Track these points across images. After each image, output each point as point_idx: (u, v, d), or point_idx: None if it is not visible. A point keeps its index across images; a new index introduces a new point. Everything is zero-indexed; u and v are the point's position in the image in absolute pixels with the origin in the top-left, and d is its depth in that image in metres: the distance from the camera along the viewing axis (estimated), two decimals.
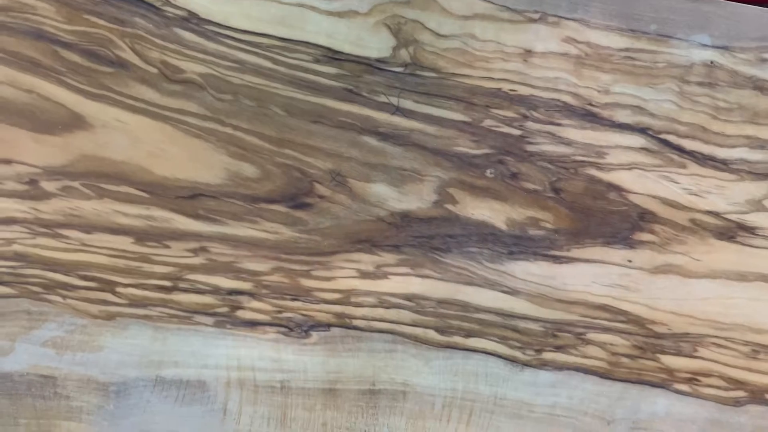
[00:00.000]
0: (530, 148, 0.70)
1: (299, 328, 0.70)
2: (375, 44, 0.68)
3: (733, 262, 0.73)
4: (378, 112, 0.68)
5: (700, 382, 0.74)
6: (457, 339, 0.72)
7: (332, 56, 0.67)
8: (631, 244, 0.72)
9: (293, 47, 0.67)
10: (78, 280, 0.68)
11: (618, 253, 0.72)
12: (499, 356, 0.73)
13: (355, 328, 0.71)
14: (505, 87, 0.69)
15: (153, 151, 0.67)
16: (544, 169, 0.70)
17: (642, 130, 0.70)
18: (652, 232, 0.72)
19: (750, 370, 0.75)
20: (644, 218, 0.71)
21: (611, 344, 0.73)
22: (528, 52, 0.69)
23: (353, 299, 0.70)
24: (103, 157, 0.66)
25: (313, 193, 0.68)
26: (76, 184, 0.66)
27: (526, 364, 0.73)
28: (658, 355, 0.74)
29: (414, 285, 0.71)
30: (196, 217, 0.68)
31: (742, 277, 0.73)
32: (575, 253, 0.71)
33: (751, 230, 0.73)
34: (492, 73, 0.69)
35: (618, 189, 0.71)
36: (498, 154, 0.70)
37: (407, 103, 0.68)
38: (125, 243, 0.68)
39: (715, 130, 0.71)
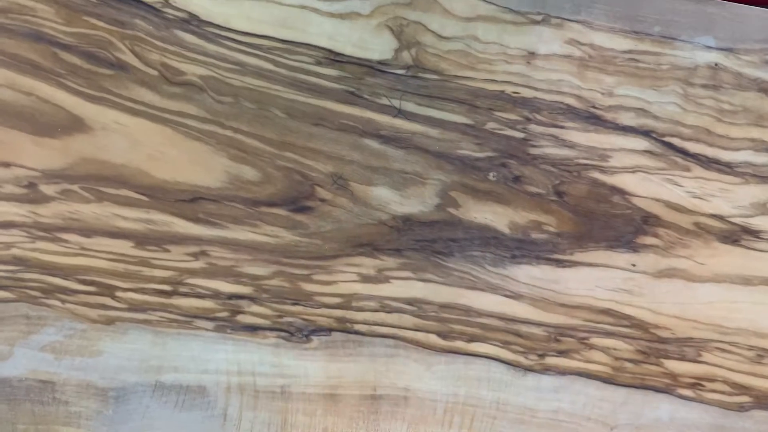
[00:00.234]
0: (533, 151, 0.69)
1: (300, 333, 0.70)
2: (377, 46, 0.67)
3: (737, 265, 0.73)
4: (380, 115, 0.68)
5: (704, 387, 0.74)
6: (459, 344, 0.71)
7: (334, 58, 0.67)
8: (634, 248, 0.71)
9: (294, 49, 0.66)
10: (77, 285, 0.67)
11: (621, 257, 0.71)
12: (502, 361, 0.72)
13: (357, 332, 0.70)
14: (508, 89, 0.68)
15: (153, 154, 0.66)
16: (547, 173, 0.70)
17: (646, 133, 0.70)
18: (655, 235, 0.71)
19: (754, 375, 0.74)
20: (648, 222, 0.71)
21: (615, 349, 0.73)
22: (531, 54, 0.68)
23: (354, 303, 0.70)
24: (102, 160, 0.66)
25: (314, 196, 0.68)
26: (75, 187, 0.66)
27: (528, 369, 0.73)
28: (662, 360, 0.73)
29: (416, 289, 0.70)
30: (197, 220, 0.67)
31: (747, 281, 0.73)
32: (578, 257, 0.71)
33: (755, 234, 0.72)
34: (495, 76, 0.68)
35: (621, 192, 0.70)
36: (501, 157, 0.69)
37: (409, 106, 0.68)
38: (125, 247, 0.67)
39: (720, 133, 0.70)
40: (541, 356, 0.72)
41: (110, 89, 0.65)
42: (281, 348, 0.70)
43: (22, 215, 0.66)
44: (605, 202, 0.70)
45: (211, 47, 0.66)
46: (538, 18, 0.68)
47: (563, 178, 0.70)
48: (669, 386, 0.74)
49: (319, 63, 0.67)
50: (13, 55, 0.64)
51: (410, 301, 0.70)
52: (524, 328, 0.72)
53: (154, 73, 0.66)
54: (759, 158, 0.71)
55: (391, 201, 0.69)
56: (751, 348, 0.74)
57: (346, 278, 0.70)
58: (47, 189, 0.66)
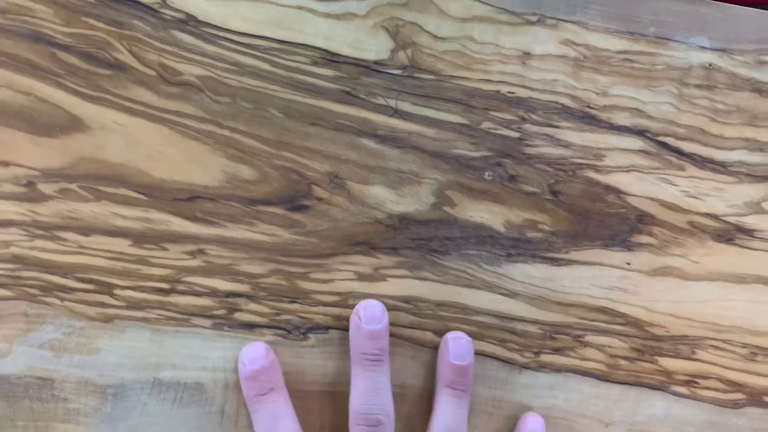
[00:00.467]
0: (528, 150, 0.69)
1: (297, 331, 0.70)
2: (373, 46, 0.67)
3: (731, 264, 0.73)
4: (376, 115, 0.68)
5: (699, 384, 0.74)
6: None
7: (330, 58, 0.67)
8: (629, 247, 0.72)
9: (291, 49, 0.67)
10: (76, 283, 0.67)
11: (616, 256, 0.72)
12: (497, 358, 0.73)
13: None
14: (504, 89, 0.69)
15: (151, 154, 0.66)
16: (542, 172, 0.70)
17: (640, 133, 0.70)
18: (650, 234, 0.72)
19: (748, 372, 0.75)
20: (643, 221, 0.71)
21: (609, 347, 0.73)
22: (526, 55, 0.68)
23: (351, 301, 0.70)
24: (100, 159, 0.66)
25: (311, 195, 0.68)
26: (73, 186, 0.66)
27: (524, 367, 0.73)
28: (657, 358, 0.74)
29: (412, 287, 0.70)
30: (194, 219, 0.67)
31: (741, 279, 0.73)
32: (573, 255, 0.71)
33: (749, 233, 0.72)
34: (490, 76, 0.68)
35: (616, 191, 0.71)
36: (496, 156, 0.69)
37: (405, 106, 0.68)
38: (123, 245, 0.67)
39: (714, 133, 0.71)
40: (537, 354, 0.73)
41: (108, 89, 0.66)
42: (278, 345, 0.70)
43: (21, 214, 0.66)
44: (600, 201, 0.71)
45: (209, 48, 0.66)
46: (534, 18, 0.68)
47: (558, 177, 0.70)
48: (663, 383, 0.74)
49: (315, 63, 0.67)
50: (12, 55, 0.64)
51: (406, 299, 0.71)
52: (519, 326, 0.72)
53: (152, 73, 0.66)
54: (753, 158, 0.71)
55: (388, 200, 0.69)
56: (745, 346, 0.74)
57: (343, 276, 0.70)
58: (46, 188, 0.66)
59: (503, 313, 0.72)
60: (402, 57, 0.67)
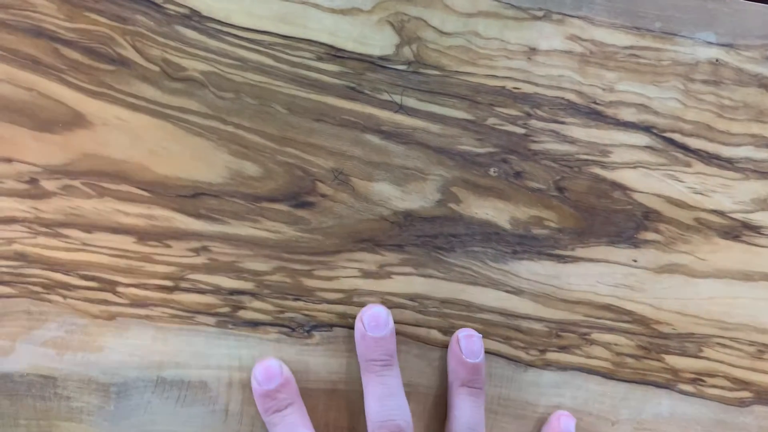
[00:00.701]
0: (534, 146, 0.68)
1: (301, 329, 0.69)
2: (378, 42, 0.66)
3: (738, 261, 0.72)
4: (381, 111, 0.67)
5: (705, 382, 0.74)
6: None
7: (335, 54, 0.66)
8: (635, 244, 0.71)
9: (296, 45, 0.66)
10: (79, 280, 0.67)
11: (623, 253, 0.71)
12: (503, 356, 0.72)
13: None
14: (509, 85, 0.68)
15: (154, 150, 0.65)
16: (548, 168, 0.69)
17: (646, 129, 0.69)
18: (656, 231, 0.71)
19: (755, 370, 0.74)
20: (649, 217, 0.70)
21: (616, 344, 0.72)
22: (532, 50, 0.68)
23: (356, 299, 0.69)
24: (103, 155, 0.65)
25: (315, 191, 0.67)
26: (76, 183, 0.65)
27: (529, 365, 0.72)
28: (663, 356, 0.73)
29: (417, 284, 0.70)
30: (198, 216, 0.67)
31: (748, 276, 0.72)
32: (579, 252, 0.70)
33: (756, 229, 0.71)
34: (496, 71, 0.67)
35: (622, 188, 0.70)
36: (502, 152, 0.68)
37: (410, 101, 0.67)
38: (126, 242, 0.67)
39: (721, 129, 0.70)
40: (542, 352, 0.72)
41: (111, 85, 0.65)
42: (282, 343, 0.69)
43: (23, 210, 0.65)
44: (606, 198, 0.70)
45: (213, 43, 0.65)
46: (540, 14, 0.67)
47: (564, 173, 0.69)
48: (670, 381, 0.73)
49: (320, 59, 0.66)
50: (14, 50, 0.64)
51: (411, 297, 0.70)
52: (525, 324, 0.71)
53: (156, 68, 0.65)
54: (759, 154, 0.70)
55: (392, 196, 0.68)
56: (752, 343, 0.73)
57: (348, 274, 0.69)
58: (48, 184, 0.65)
59: (509, 311, 0.71)
60: (407, 52, 0.67)
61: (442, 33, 0.67)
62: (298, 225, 0.68)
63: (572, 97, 0.68)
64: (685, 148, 0.70)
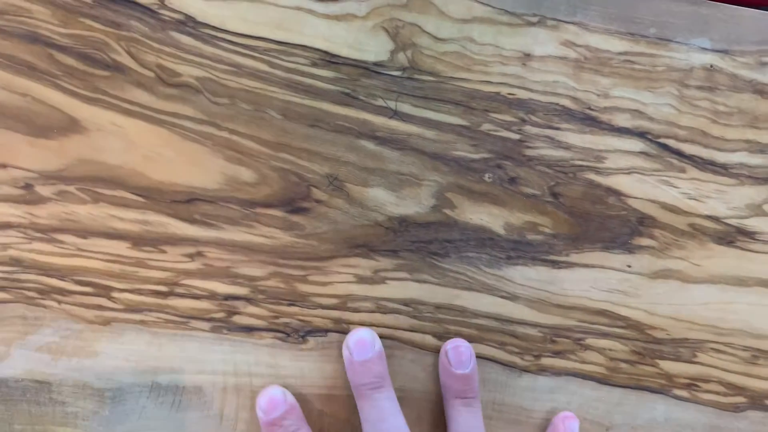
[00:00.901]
0: (529, 152, 0.68)
1: (296, 334, 0.69)
2: (373, 48, 0.66)
3: (732, 267, 0.71)
4: (376, 116, 0.66)
5: (700, 387, 0.73)
6: None
7: (330, 60, 0.65)
8: (630, 249, 0.70)
9: (290, 51, 0.65)
10: (73, 285, 0.66)
11: (617, 258, 0.70)
12: (498, 362, 0.71)
13: None
14: (504, 91, 0.67)
15: (149, 156, 0.65)
16: (542, 174, 0.68)
17: (641, 135, 0.68)
18: (651, 236, 0.70)
19: (749, 375, 0.73)
20: (643, 223, 0.70)
21: (610, 350, 0.72)
22: (527, 56, 0.67)
23: (350, 304, 0.69)
24: (98, 161, 0.65)
25: (310, 197, 0.67)
26: (71, 188, 0.65)
27: (524, 370, 0.72)
28: (657, 361, 0.72)
29: (411, 290, 0.69)
30: (192, 221, 0.66)
31: (742, 282, 0.72)
32: (574, 258, 0.70)
33: (750, 235, 0.71)
34: (490, 77, 0.67)
35: (617, 193, 0.69)
36: (496, 158, 0.68)
37: (405, 107, 0.66)
38: (121, 248, 0.66)
39: (715, 135, 0.69)
40: (537, 357, 0.71)
41: (106, 90, 0.64)
42: (277, 348, 0.69)
43: (18, 216, 0.65)
44: (601, 204, 0.69)
45: (207, 49, 0.64)
46: (534, 20, 0.66)
47: (559, 179, 0.68)
48: (664, 387, 0.73)
49: (314, 64, 0.65)
50: (9, 56, 0.63)
51: (406, 302, 0.69)
52: (520, 329, 0.71)
53: (150, 74, 0.64)
54: (754, 159, 0.70)
55: (387, 202, 0.67)
56: (746, 349, 0.73)
57: (342, 279, 0.68)
58: (43, 190, 0.64)
59: (503, 316, 0.70)
60: (402, 58, 0.66)
61: (436, 39, 0.66)
62: (293, 230, 0.67)
63: (567, 102, 0.67)
64: (679, 154, 0.69)
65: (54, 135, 0.64)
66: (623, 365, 0.72)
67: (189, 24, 0.64)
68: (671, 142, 0.69)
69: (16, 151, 0.64)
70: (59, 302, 0.66)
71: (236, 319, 0.68)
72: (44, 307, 0.66)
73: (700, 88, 0.68)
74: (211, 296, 0.67)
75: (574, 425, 0.70)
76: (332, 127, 0.66)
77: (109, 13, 0.63)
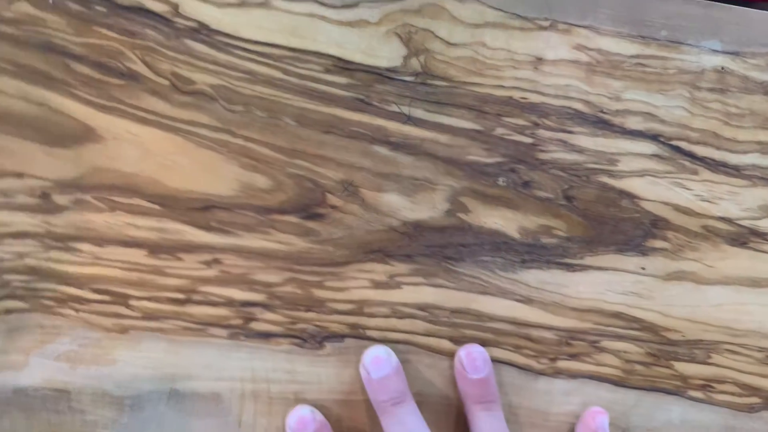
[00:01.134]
0: (542, 156, 0.67)
1: (313, 339, 0.68)
2: (386, 53, 0.65)
3: (746, 268, 0.71)
4: (389, 122, 0.66)
5: (714, 388, 0.72)
6: None
7: (343, 66, 0.65)
8: (643, 251, 0.69)
9: (304, 57, 0.64)
10: (91, 294, 0.65)
11: (631, 261, 0.69)
12: (514, 365, 0.71)
13: (369, 338, 0.69)
14: (516, 95, 0.66)
15: (164, 163, 0.64)
16: (556, 177, 0.67)
17: (653, 137, 0.68)
18: (664, 239, 0.69)
19: (764, 376, 0.73)
20: (657, 225, 0.69)
21: (625, 352, 0.71)
22: (539, 60, 0.66)
23: (366, 309, 0.68)
24: (114, 169, 0.64)
25: (325, 203, 0.66)
26: (87, 197, 0.64)
27: (540, 373, 0.71)
28: (672, 363, 0.72)
29: (427, 294, 0.68)
30: (209, 228, 0.65)
31: (755, 283, 0.71)
32: (588, 260, 0.69)
33: (763, 236, 0.70)
34: (503, 81, 0.66)
35: (630, 196, 0.68)
36: (510, 162, 0.67)
37: (418, 112, 0.66)
38: (138, 256, 0.65)
39: (727, 136, 0.68)
40: (553, 360, 0.70)
41: (121, 99, 0.63)
42: (294, 354, 0.68)
43: (35, 225, 0.64)
44: (614, 206, 0.68)
45: (222, 56, 0.63)
46: (546, 24, 0.66)
47: (572, 182, 0.68)
48: (679, 388, 0.72)
49: (328, 71, 0.65)
50: (24, 65, 0.62)
51: (422, 307, 0.68)
52: (535, 333, 0.70)
53: (165, 82, 0.63)
54: (766, 161, 0.69)
55: (402, 207, 0.67)
56: (760, 350, 0.72)
57: (358, 284, 0.68)
58: (60, 199, 0.64)
59: (519, 320, 0.69)
60: (415, 64, 0.65)
61: (449, 44, 0.65)
62: (308, 236, 0.66)
63: (579, 106, 0.67)
64: (692, 156, 0.68)
65: (70, 144, 0.63)
66: (638, 367, 0.71)
67: (203, 32, 0.63)
68: (683, 145, 0.68)
69: (33, 160, 0.63)
70: (77, 311, 0.65)
71: (253, 325, 0.67)
72: (62, 315, 0.65)
73: (711, 90, 0.68)
74: (228, 303, 0.66)
75: (604, 420, 0.70)
76: (346, 133, 0.65)
77: (123, 22, 0.63)
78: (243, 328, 0.67)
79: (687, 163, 0.68)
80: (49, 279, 0.65)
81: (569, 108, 0.67)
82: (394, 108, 0.66)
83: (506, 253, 0.68)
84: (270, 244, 0.66)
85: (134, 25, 0.63)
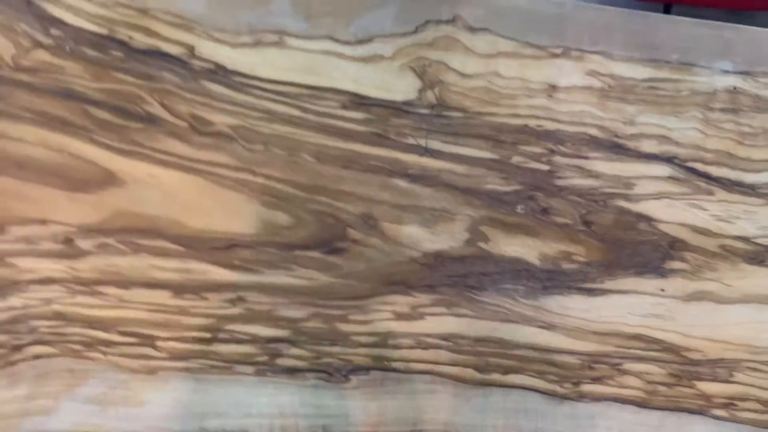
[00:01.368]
0: (559, 182, 0.66)
1: (338, 373, 0.67)
2: (401, 87, 0.64)
3: (765, 286, 0.70)
4: (407, 155, 0.65)
5: (737, 406, 0.72)
6: (496, 376, 0.69)
7: (359, 101, 0.64)
8: (662, 273, 0.69)
9: (320, 94, 0.64)
10: (118, 336, 0.65)
11: (650, 283, 0.69)
12: (538, 391, 0.70)
13: (394, 370, 0.68)
14: (532, 123, 0.66)
15: (186, 205, 0.64)
16: (573, 203, 0.67)
17: (668, 159, 0.67)
18: (683, 260, 0.69)
19: None
20: (675, 246, 0.68)
21: (647, 373, 0.70)
22: (552, 87, 0.65)
23: (390, 341, 0.67)
24: (137, 212, 0.63)
25: (346, 237, 0.65)
26: (111, 240, 0.63)
27: (564, 397, 0.70)
28: (695, 382, 0.71)
29: (450, 324, 0.68)
30: (232, 267, 0.65)
31: None
32: (608, 284, 0.68)
33: None
34: (518, 110, 0.65)
35: (647, 219, 0.68)
36: (528, 189, 0.66)
37: (435, 144, 0.65)
38: (163, 297, 0.65)
39: (741, 156, 0.68)
40: (576, 384, 0.70)
41: (141, 142, 0.63)
42: (321, 389, 0.68)
43: (60, 271, 0.63)
44: (632, 230, 0.68)
45: (239, 96, 0.63)
46: (558, 51, 0.65)
47: (590, 207, 0.67)
48: (703, 407, 0.72)
49: (345, 107, 0.64)
50: (44, 113, 0.62)
51: (445, 337, 0.68)
52: (558, 358, 0.69)
53: (184, 124, 0.63)
54: None
55: (422, 238, 0.66)
56: None
57: (381, 317, 0.67)
58: (84, 243, 0.63)
59: (542, 346, 0.69)
60: (430, 96, 0.65)
61: (463, 75, 0.65)
62: (330, 271, 0.66)
63: (594, 131, 0.66)
64: (707, 177, 0.68)
65: (92, 189, 0.63)
66: (661, 388, 0.70)
67: (220, 73, 0.63)
68: (698, 166, 0.67)
69: (55, 207, 0.63)
70: (105, 354, 0.65)
71: (279, 361, 0.67)
72: (90, 359, 0.65)
73: (724, 110, 0.67)
74: (254, 340, 0.66)
75: None
76: (365, 167, 0.65)
77: (140, 66, 0.62)
78: (269, 365, 0.67)
79: (702, 184, 0.68)
80: (76, 323, 0.65)
81: (584, 134, 0.66)
82: (411, 141, 0.65)
83: (527, 280, 0.68)
84: (293, 280, 0.66)
85: (151, 68, 0.62)
